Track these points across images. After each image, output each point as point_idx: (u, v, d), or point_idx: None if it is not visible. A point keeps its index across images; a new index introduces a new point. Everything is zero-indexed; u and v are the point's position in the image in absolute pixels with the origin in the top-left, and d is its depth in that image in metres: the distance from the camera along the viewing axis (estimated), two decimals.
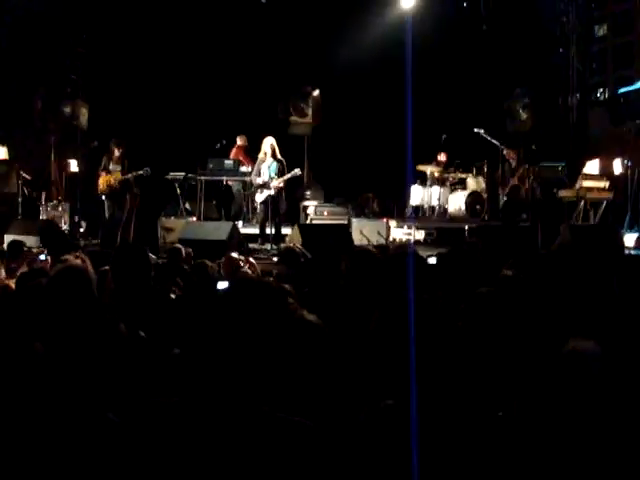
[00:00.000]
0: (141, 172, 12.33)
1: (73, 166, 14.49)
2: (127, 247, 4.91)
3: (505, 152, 13.88)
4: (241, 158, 14.18)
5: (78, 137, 14.53)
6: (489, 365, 2.87)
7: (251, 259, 7.07)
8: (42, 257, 6.01)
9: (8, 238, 9.20)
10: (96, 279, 3.72)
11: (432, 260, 6.15)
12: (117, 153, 12.35)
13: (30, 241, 9.16)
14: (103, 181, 12.39)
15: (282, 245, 11.35)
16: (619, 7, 29.31)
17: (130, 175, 12.30)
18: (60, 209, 13.21)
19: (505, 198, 13.59)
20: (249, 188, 13.26)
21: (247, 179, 12.95)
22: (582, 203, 12.67)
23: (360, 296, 3.68)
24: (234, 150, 14.45)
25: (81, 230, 13.60)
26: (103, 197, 12.55)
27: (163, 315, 3.74)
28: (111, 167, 12.37)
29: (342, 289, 4.00)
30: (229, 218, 13.61)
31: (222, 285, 4.68)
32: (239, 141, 14.53)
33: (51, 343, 2.58)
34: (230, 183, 14.12)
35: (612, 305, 3.82)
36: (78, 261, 4.35)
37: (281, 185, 11.86)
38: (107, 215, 12.49)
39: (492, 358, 2.90)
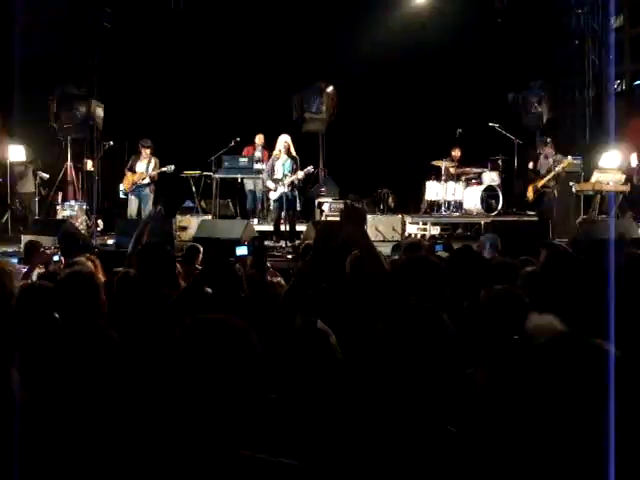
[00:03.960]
0: (164, 169, 12.69)
1: (89, 165, 14.59)
2: (150, 247, 4.92)
3: (543, 149, 12.94)
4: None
5: (94, 137, 14.64)
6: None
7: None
8: (56, 258, 6.04)
9: (25, 238, 9.27)
10: (106, 280, 3.76)
11: (440, 249, 6.15)
12: (145, 154, 12.73)
13: (47, 241, 9.21)
14: (128, 180, 12.83)
15: (297, 242, 11.38)
16: None
17: (155, 173, 12.68)
18: (77, 208, 13.30)
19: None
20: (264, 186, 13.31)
21: (262, 177, 12.97)
22: (598, 197, 12.60)
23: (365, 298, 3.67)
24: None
25: (98, 229, 13.71)
26: (128, 195, 12.97)
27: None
28: (137, 167, 12.78)
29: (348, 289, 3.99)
30: (244, 216, 13.68)
31: (241, 251, 4.65)
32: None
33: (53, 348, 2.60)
34: (244, 181, 14.18)
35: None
36: (89, 263, 4.36)
37: (295, 182, 11.89)
38: (129, 213, 12.88)
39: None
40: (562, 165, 12.51)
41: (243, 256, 4.44)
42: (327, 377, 2.59)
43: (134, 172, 12.87)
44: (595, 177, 12.65)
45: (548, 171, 12.51)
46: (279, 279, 5.26)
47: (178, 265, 6.32)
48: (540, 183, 12.49)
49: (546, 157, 12.67)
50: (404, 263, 3.99)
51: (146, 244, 4.58)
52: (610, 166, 12.86)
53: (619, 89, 23.28)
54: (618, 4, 25.10)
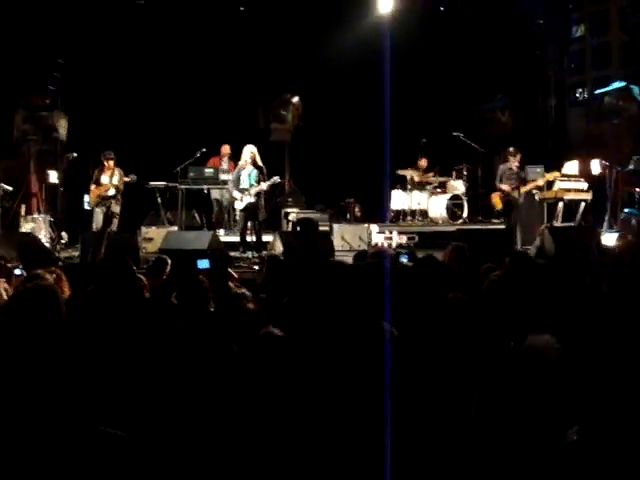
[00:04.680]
0: (127, 179, 12.62)
1: (53, 177, 14.44)
2: (109, 259, 4.89)
3: (511, 159, 12.57)
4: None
5: (57, 149, 14.51)
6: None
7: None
8: (17, 272, 5.95)
9: None
10: (69, 294, 3.73)
11: (405, 259, 6.21)
12: (108, 165, 12.65)
13: (10, 254, 9.09)
14: (94, 194, 12.71)
15: (264, 253, 11.36)
16: (596, 7, 29.47)
17: (118, 183, 12.60)
18: (40, 221, 13.16)
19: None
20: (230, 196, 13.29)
21: (227, 187, 12.97)
22: (561, 204, 12.74)
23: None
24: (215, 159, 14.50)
25: (62, 242, 13.57)
26: (94, 208, 12.85)
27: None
28: (102, 180, 12.68)
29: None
30: (210, 227, 13.64)
31: (202, 264, 4.67)
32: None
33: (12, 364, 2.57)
34: (210, 191, 14.17)
35: (583, 304, 3.87)
36: (48, 276, 4.32)
37: (263, 191, 11.90)
38: (95, 225, 12.78)
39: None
40: (547, 178, 12.56)
41: (205, 269, 4.43)
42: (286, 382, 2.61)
43: (99, 185, 12.79)
44: (557, 185, 12.79)
45: (522, 182, 12.41)
46: (243, 290, 5.25)
47: (143, 277, 6.29)
48: (522, 190, 12.41)
49: (512, 169, 12.51)
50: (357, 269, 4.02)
51: (105, 257, 4.56)
52: (572, 174, 13.02)
53: (581, 98, 23.66)
54: (579, 14, 25.51)
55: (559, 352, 2.06)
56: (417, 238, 13.71)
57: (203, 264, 4.32)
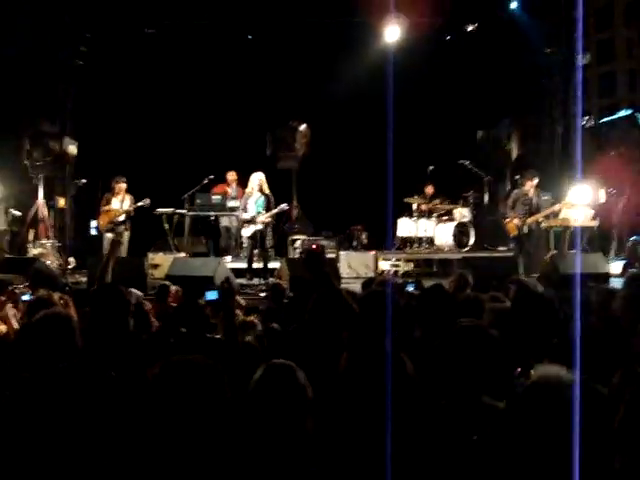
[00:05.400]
0: (141, 203, 12.68)
1: (61, 203, 14.52)
2: (104, 288, 4.90)
3: (527, 183, 12.35)
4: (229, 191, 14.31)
5: (66, 174, 14.60)
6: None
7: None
8: (26, 297, 5.98)
9: None
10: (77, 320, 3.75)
11: (411, 288, 6.23)
12: (119, 190, 12.72)
13: (18, 280, 9.10)
14: (104, 218, 12.75)
15: (270, 280, 11.36)
16: (603, 35, 29.70)
17: (132, 207, 12.66)
18: (48, 246, 13.21)
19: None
20: (238, 223, 13.32)
21: (235, 214, 13.01)
22: (568, 232, 12.70)
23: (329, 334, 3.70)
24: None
25: (70, 267, 13.61)
26: (105, 233, 12.89)
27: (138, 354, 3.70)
28: (113, 204, 12.73)
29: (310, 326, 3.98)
30: (217, 254, 13.67)
31: (211, 295, 4.69)
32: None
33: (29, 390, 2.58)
34: (219, 218, 14.23)
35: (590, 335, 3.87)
36: (56, 298, 4.34)
37: (268, 220, 11.92)
38: (105, 251, 12.81)
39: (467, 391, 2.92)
40: (562, 205, 12.48)
41: (214, 300, 4.45)
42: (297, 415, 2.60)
43: (109, 209, 12.84)
44: (564, 213, 12.77)
45: (537, 209, 12.28)
46: (252, 318, 5.27)
47: (149, 303, 6.33)
48: (531, 219, 12.31)
49: (527, 195, 12.33)
50: (362, 298, 4.03)
51: (101, 286, 4.57)
52: (579, 201, 12.99)
53: (587, 125, 23.71)
54: (585, 42, 25.64)
55: (572, 383, 2.07)
56: (423, 265, 13.74)
57: (212, 295, 4.33)
